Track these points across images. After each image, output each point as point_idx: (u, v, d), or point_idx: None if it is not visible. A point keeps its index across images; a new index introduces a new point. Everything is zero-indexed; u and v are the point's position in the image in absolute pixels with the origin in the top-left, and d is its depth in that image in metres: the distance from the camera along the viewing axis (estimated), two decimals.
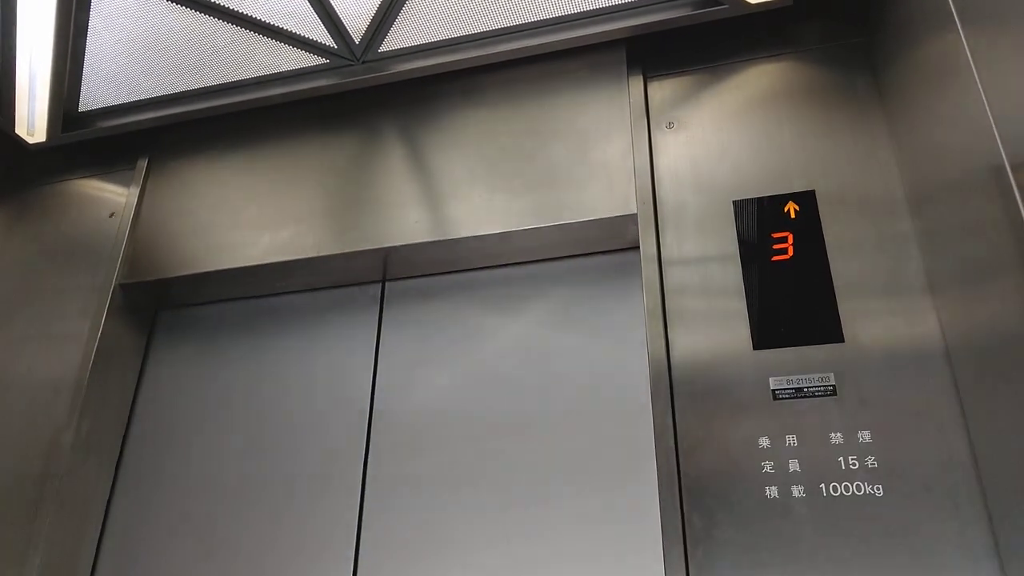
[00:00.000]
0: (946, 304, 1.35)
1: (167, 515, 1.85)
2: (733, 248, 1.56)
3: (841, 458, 1.32)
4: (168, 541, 1.82)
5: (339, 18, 1.83)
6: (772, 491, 1.32)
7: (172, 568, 1.78)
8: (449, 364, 1.83)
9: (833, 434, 1.34)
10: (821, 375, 1.39)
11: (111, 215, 2.12)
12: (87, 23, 1.88)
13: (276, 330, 2.01)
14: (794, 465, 1.33)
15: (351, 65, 1.97)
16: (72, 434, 1.80)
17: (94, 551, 1.84)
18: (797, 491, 1.31)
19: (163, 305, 2.14)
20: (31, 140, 2.14)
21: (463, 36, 1.89)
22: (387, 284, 1.98)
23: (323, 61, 1.97)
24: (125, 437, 1.98)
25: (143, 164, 2.17)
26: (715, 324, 1.49)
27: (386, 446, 1.77)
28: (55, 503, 1.74)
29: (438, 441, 1.74)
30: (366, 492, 1.74)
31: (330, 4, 1.80)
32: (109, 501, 1.91)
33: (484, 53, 1.87)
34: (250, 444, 1.87)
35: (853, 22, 1.73)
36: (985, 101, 1.15)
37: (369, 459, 1.77)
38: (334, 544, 1.69)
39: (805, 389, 1.39)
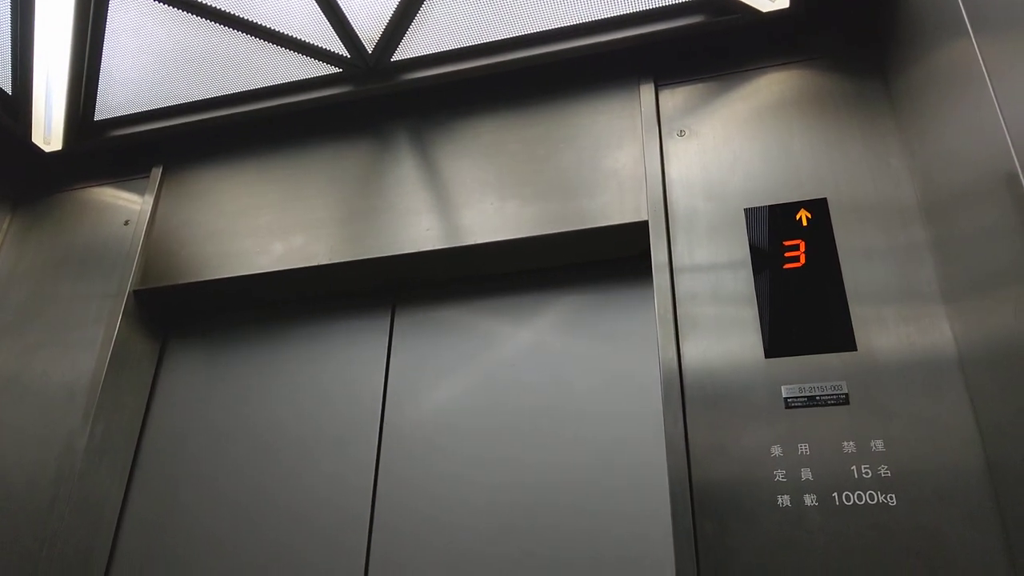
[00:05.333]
0: (959, 312, 1.34)
1: (180, 517, 1.86)
2: (744, 256, 1.56)
3: (854, 467, 1.31)
4: (181, 543, 1.83)
5: (352, 28, 1.85)
6: (784, 499, 1.32)
7: (185, 570, 1.79)
8: (460, 369, 1.83)
9: (846, 443, 1.33)
10: (833, 383, 1.39)
11: (126, 222, 2.14)
12: (104, 33, 1.91)
13: (289, 336, 2.02)
14: (806, 473, 1.33)
15: (364, 74, 1.98)
16: (86, 438, 1.82)
17: (108, 553, 1.86)
18: (809, 500, 1.31)
19: (177, 311, 2.15)
20: (47, 148, 2.18)
21: (475, 45, 1.90)
22: (399, 291, 1.99)
23: (336, 70, 1.99)
24: (139, 441, 2.00)
25: (158, 172, 2.19)
26: (726, 332, 1.49)
27: (397, 448, 1.78)
28: (69, 505, 1.75)
29: (448, 445, 1.75)
30: (377, 493, 1.74)
31: (343, 14, 1.81)
32: (123, 504, 1.92)
33: (496, 61, 1.89)
34: (262, 447, 1.88)
35: (864, 30, 1.73)
36: (998, 108, 1.15)
37: (381, 460, 1.78)
38: (346, 549, 1.70)
39: (817, 397, 1.38)
